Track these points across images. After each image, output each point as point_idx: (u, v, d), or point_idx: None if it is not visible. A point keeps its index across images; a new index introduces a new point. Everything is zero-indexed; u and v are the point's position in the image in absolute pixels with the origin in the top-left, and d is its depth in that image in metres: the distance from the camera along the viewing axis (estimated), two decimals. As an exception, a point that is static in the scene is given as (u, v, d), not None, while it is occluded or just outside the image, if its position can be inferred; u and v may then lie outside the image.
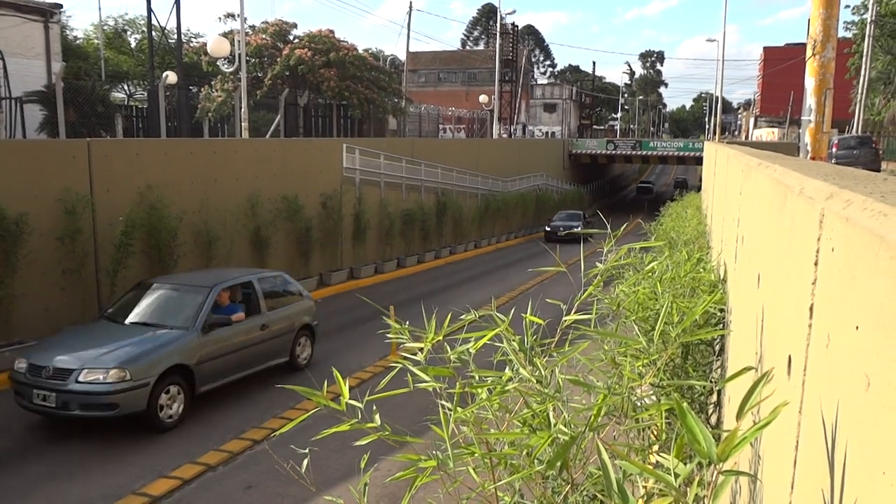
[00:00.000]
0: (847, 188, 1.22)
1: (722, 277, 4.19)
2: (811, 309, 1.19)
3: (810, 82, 4.80)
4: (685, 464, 1.06)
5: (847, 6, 45.88)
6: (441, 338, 2.01)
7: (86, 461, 7.95)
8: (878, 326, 0.79)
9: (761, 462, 1.61)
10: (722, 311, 3.75)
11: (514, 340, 1.98)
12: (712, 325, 3.83)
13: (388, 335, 2.33)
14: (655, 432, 2.34)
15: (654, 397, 2.65)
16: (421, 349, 1.99)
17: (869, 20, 35.73)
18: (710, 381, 3.19)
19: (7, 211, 11.14)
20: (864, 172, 1.83)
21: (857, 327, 0.88)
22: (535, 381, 1.89)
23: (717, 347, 3.80)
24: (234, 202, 15.89)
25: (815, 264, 1.18)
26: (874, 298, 0.81)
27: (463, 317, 2.32)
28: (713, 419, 3.04)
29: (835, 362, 0.99)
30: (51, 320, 11.98)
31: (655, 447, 2.30)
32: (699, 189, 22.35)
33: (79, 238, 12.31)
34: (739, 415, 1.02)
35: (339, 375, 2.08)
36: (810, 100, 4.81)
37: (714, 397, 3.71)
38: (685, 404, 1.03)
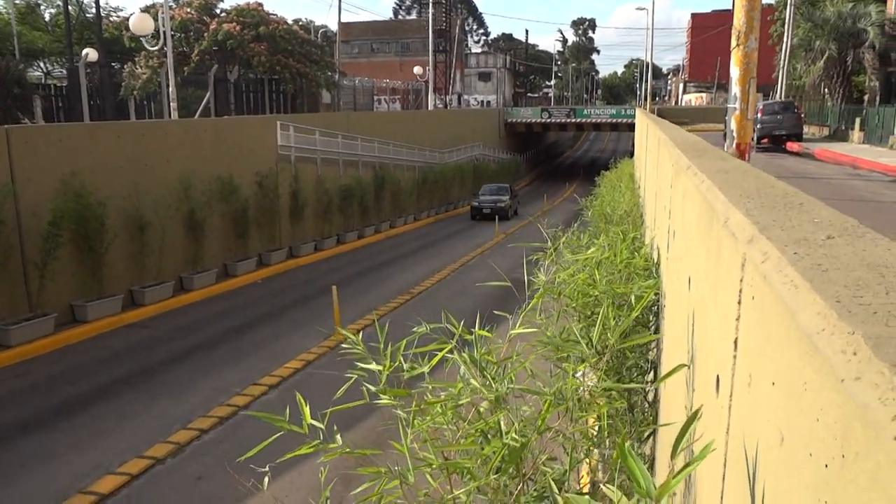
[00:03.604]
0: (766, 229, 1.34)
1: (656, 261, 4.37)
2: (735, 343, 1.31)
3: (735, 71, 5.00)
4: (628, 497, 1.17)
5: (769, -27, 47.15)
6: (398, 362, 2.08)
7: (27, 461, 7.78)
8: (790, 393, 0.90)
9: (693, 488, 1.75)
10: (656, 295, 3.92)
11: (465, 354, 2.07)
12: (647, 308, 4.02)
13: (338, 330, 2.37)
14: (596, 428, 2.48)
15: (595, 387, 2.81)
16: (379, 371, 2.05)
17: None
18: (646, 382, 3.37)
19: (-78, 205, 10.61)
20: (785, 190, 1.97)
21: (773, 383, 1.00)
22: (486, 392, 1.99)
23: (652, 328, 3.99)
24: (166, 185, 15.46)
25: (739, 303, 1.30)
26: (787, 364, 0.93)
27: (415, 329, 2.39)
28: (649, 415, 3.22)
29: (756, 404, 1.11)
30: (-23, 317, 11.53)
31: (595, 454, 2.45)
32: (632, 155, 22.85)
33: (2, 230, 11.82)
34: (673, 454, 1.14)
35: (301, 399, 2.12)
36: (735, 88, 5.02)
37: (650, 374, 3.91)
38: (627, 445, 1.14)
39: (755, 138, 27.62)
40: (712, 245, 1.77)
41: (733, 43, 4.84)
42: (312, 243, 21.06)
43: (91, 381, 10.42)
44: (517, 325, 2.29)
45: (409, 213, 28.93)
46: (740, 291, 1.30)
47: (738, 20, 4.75)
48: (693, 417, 1.23)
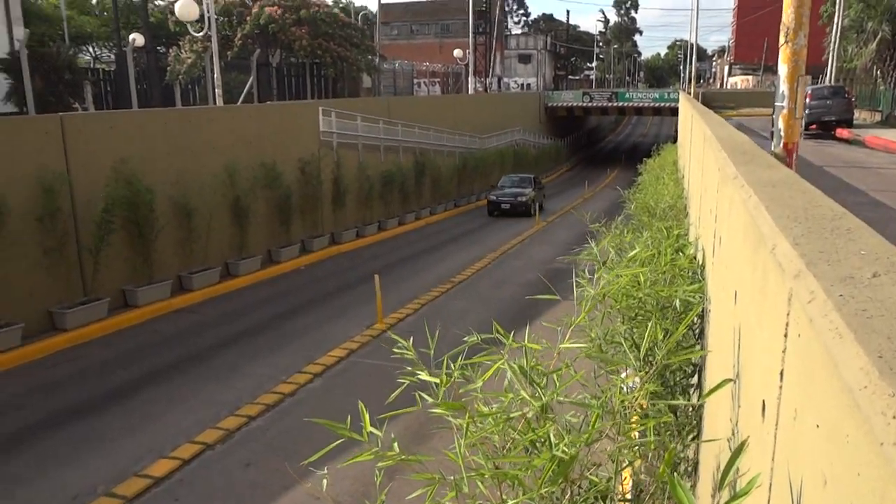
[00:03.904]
0: (813, 264, 1.39)
1: (701, 263, 4.38)
2: (781, 374, 1.37)
3: (783, 69, 4.93)
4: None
5: (820, -49, 45.72)
6: (455, 377, 2.18)
7: (82, 444, 8.14)
8: (833, 440, 0.96)
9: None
10: (702, 298, 3.95)
11: (515, 364, 2.15)
12: (690, 312, 4.04)
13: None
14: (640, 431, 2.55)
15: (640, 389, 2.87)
16: (436, 384, 2.15)
17: (842, -34, 35.65)
18: (689, 395, 3.41)
19: (-16, 193, 11.04)
20: (833, 211, 1.99)
21: (817, 425, 1.06)
22: (534, 404, 2.07)
23: (696, 332, 4.02)
24: (212, 172, 15.79)
25: (785, 336, 1.36)
26: (830, 412, 0.99)
27: (466, 339, 2.48)
28: (693, 418, 3.26)
29: (801, 440, 1.17)
30: (37, 301, 12.00)
31: (638, 462, 2.52)
32: (675, 140, 22.53)
33: (58, 217, 12.25)
34: (721, 486, 1.21)
35: (363, 407, 2.23)
36: (783, 86, 4.96)
37: (694, 379, 3.95)
38: (676, 478, 1.22)
39: (803, 124, 26.96)
40: (758, 267, 1.82)
41: (781, 39, 4.78)
42: (354, 230, 21.30)
43: (142, 366, 10.79)
44: (566, 338, 2.37)
45: (449, 200, 29.01)
46: (787, 325, 1.36)
47: (787, 16, 4.69)
48: (740, 449, 1.30)
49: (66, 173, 12.54)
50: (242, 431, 8.44)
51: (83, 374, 10.55)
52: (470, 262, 18.12)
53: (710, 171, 4.30)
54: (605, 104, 50.23)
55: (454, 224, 25.42)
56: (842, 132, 27.13)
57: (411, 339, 2.68)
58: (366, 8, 63.20)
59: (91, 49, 41.02)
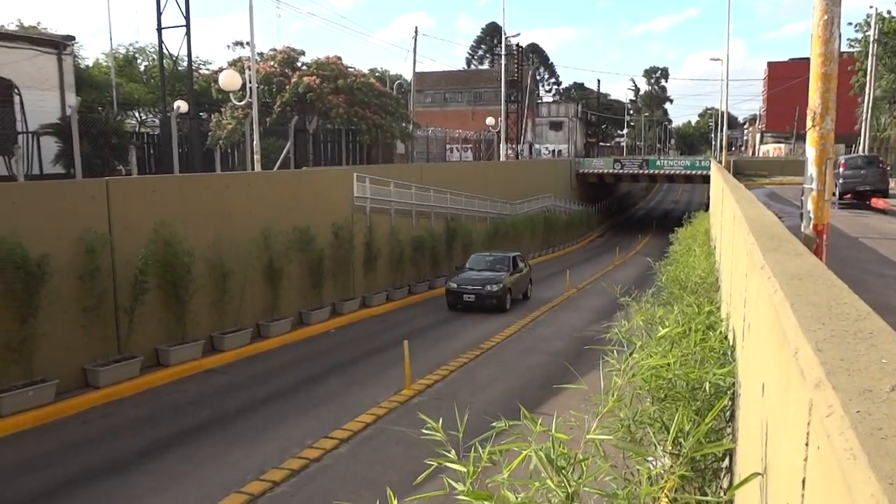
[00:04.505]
0: (833, 374, 1.43)
1: (731, 343, 4.37)
2: (804, 482, 1.40)
3: (811, 152, 5.01)
4: None
5: (849, 23, 46.24)
6: (482, 466, 2.22)
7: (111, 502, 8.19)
8: (849, 563, 0.99)
9: None
10: (732, 379, 3.93)
11: (542, 452, 2.19)
12: (723, 391, 4.02)
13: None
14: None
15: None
16: (466, 475, 2.18)
17: (872, 39, 36.01)
18: (720, 478, 3.39)
19: (30, 252, 11.43)
20: (857, 311, 2.03)
21: (836, 543, 1.09)
22: (561, 494, 2.10)
23: (727, 415, 3.99)
24: (248, 235, 16.17)
25: (806, 445, 1.39)
26: (846, 533, 1.02)
27: (494, 424, 2.52)
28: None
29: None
30: (72, 358, 12.25)
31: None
32: (707, 207, 22.50)
33: (98, 276, 12.59)
34: None
35: (391, 494, 2.27)
36: (811, 169, 5.02)
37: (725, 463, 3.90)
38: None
39: (837, 193, 26.74)
40: (783, 367, 1.85)
41: (808, 123, 4.86)
42: (384, 293, 21.44)
43: (172, 425, 10.88)
44: (593, 428, 2.40)
45: (479, 264, 29.12)
46: (808, 434, 1.40)
47: (813, 101, 4.78)
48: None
49: (109, 234, 12.95)
50: (266, 497, 8.40)
51: (114, 431, 10.66)
52: (499, 328, 18.07)
53: (739, 254, 4.34)
54: (636, 171, 50.52)
55: (484, 289, 25.44)
56: (877, 202, 26.87)
57: (440, 419, 2.72)
58: (401, 76, 65.10)
59: (137, 114, 42.73)
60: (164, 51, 27.68)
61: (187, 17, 25.09)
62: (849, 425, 1.17)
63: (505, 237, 31.81)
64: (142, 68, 44.29)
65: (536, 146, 70.50)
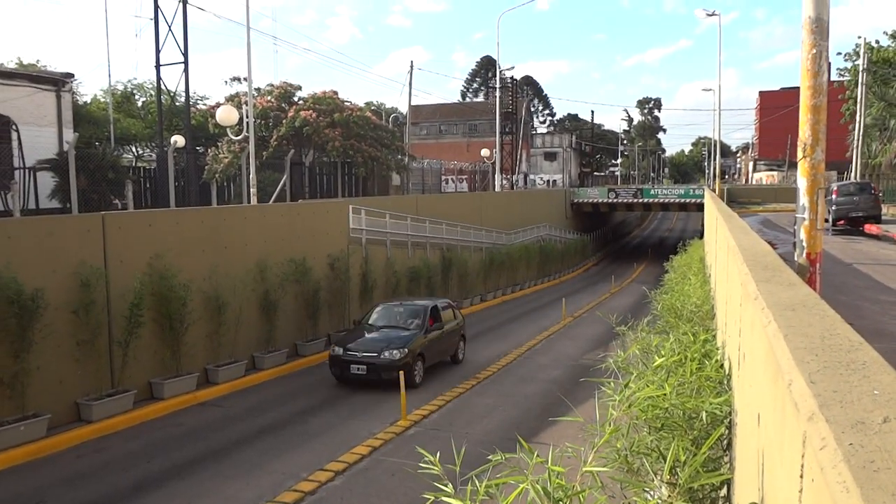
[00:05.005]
0: (826, 406, 1.44)
1: (727, 372, 4.37)
2: (799, 515, 1.40)
3: (802, 182, 5.07)
4: None
5: (839, 53, 46.97)
6: (479, 500, 2.20)
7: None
8: None
9: None
10: (728, 407, 3.91)
11: (538, 486, 2.17)
12: (720, 420, 4.01)
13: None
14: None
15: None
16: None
17: (861, 68, 36.54)
18: None
19: (24, 287, 11.39)
20: (850, 342, 2.04)
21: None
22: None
23: (724, 443, 3.97)
24: (243, 267, 16.16)
25: (801, 477, 1.39)
26: (841, 568, 1.02)
27: (490, 457, 2.51)
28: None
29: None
30: (65, 392, 12.14)
31: None
32: (702, 235, 22.60)
33: (93, 310, 12.53)
34: None
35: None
36: (803, 199, 5.08)
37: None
38: None
39: (830, 220, 26.89)
40: (777, 398, 1.86)
41: (799, 154, 4.92)
42: (379, 324, 21.34)
43: (166, 459, 10.75)
44: (589, 460, 2.39)
45: (475, 294, 29.12)
46: (802, 467, 1.40)
47: (804, 132, 4.85)
48: None
49: (104, 268, 12.92)
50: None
51: (107, 466, 10.54)
52: (495, 357, 18.01)
53: (733, 283, 4.36)
54: (630, 200, 50.78)
55: (478, 319, 25.39)
56: (870, 228, 27.02)
57: (437, 452, 2.70)
58: (397, 109, 65.70)
59: (134, 149, 42.94)
60: (162, 87, 27.92)
61: (185, 54, 25.32)
62: (841, 458, 1.17)
63: (501, 266, 31.85)
64: (139, 104, 44.65)
65: (531, 176, 70.90)
